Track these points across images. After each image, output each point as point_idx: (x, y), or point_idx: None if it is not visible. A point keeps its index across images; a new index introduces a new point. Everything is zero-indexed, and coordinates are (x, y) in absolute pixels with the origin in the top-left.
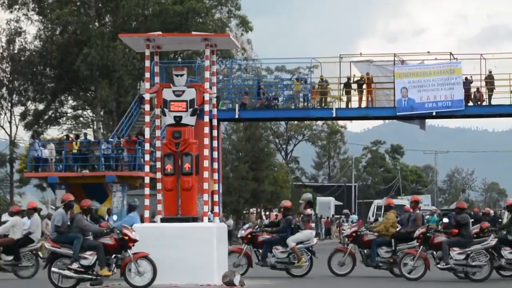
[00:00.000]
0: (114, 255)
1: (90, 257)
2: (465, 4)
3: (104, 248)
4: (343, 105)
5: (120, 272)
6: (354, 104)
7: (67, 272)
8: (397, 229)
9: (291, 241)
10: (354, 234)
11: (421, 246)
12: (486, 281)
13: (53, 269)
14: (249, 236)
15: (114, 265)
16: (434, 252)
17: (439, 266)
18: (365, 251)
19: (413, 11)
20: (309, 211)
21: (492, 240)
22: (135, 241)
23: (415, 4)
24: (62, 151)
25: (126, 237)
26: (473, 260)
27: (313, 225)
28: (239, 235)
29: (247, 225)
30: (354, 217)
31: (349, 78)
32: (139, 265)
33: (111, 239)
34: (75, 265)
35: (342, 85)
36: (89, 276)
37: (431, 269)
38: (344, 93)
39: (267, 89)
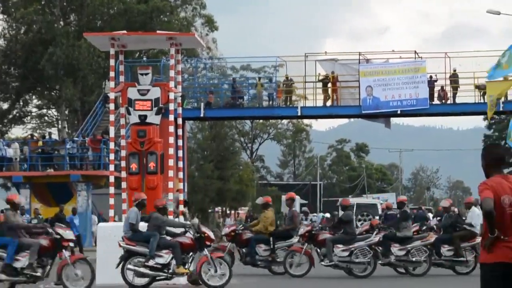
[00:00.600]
0: (190, 254)
1: (166, 256)
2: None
3: (180, 247)
4: (319, 103)
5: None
6: (319, 102)
7: (143, 269)
8: (275, 227)
9: None
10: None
11: (306, 244)
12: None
13: (128, 266)
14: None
15: (190, 263)
16: (318, 250)
17: (323, 263)
18: (244, 249)
19: (377, 10)
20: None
21: (375, 237)
22: (212, 240)
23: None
24: (27, 150)
25: (205, 235)
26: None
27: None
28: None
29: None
30: (320, 215)
31: (327, 76)
32: (216, 264)
33: (188, 238)
34: (151, 262)
35: (312, 84)
36: (165, 274)
37: (316, 266)
38: (322, 91)
39: (232, 88)
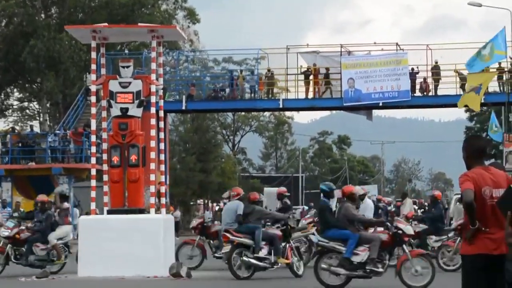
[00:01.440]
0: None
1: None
2: None
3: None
4: (301, 95)
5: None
6: (301, 95)
7: (253, 261)
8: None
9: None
10: (200, 225)
11: (199, 236)
12: None
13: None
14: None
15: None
16: (211, 241)
17: (216, 254)
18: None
19: (359, 2)
20: (66, 204)
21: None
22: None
23: None
24: (8, 143)
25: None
26: None
27: (70, 219)
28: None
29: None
30: (301, 208)
31: (309, 68)
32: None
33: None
34: (261, 253)
35: (294, 76)
36: (268, 266)
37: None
38: (304, 84)
39: (214, 80)
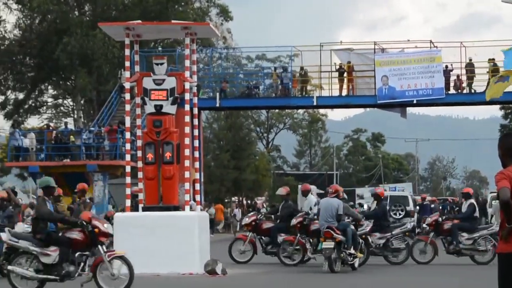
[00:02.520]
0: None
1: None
2: None
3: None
4: (335, 92)
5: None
6: (335, 92)
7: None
8: None
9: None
10: (253, 223)
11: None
12: None
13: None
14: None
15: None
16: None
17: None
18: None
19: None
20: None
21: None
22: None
23: None
24: (43, 140)
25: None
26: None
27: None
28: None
29: (252, 213)
30: None
31: (341, 66)
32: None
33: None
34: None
35: (328, 74)
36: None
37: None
38: (338, 81)
39: (247, 78)
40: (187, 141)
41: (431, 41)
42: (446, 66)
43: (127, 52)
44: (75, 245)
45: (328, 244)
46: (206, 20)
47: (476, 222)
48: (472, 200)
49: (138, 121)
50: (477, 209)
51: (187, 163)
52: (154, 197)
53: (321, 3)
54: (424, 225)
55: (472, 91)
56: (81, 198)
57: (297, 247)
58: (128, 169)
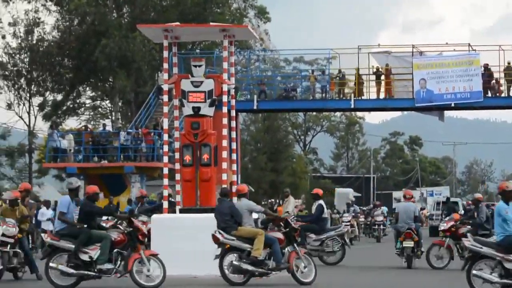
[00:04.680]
0: None
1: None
2: None
3: None
4: (373, 95)
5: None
6: (372, 95)
7: None
8: None
9: None
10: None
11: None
12: None
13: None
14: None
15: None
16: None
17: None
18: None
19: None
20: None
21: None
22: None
23: None
24: (81, 141)
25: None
26: None
27: None
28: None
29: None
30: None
31: (378, 69)
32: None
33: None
34: None
35: (365, 76)
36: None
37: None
38: (375, 84)
39: (285, 80)
40: (224, 143)
41: (469, 44)
42: (485, 66)
43: (165, 54)
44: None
45: (408, 243)
46: (244, 21)
47: (324, 223)
48: (321, 201)
49: (176, 123)
50: (325, 210)
51: (224, 165)
52: (191, 199)
53: (359, 4)
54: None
55: (511, 94)
56: (25, 199)
57: None
58: (165, 171)
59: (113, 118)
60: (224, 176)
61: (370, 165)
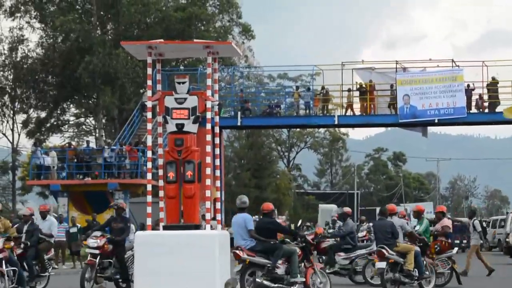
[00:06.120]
0: None
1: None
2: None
3: None
4: (357, 111)
5: None
6: (356, 111)
7: None
8: None
9: None
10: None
11: None
12: None
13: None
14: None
15: None
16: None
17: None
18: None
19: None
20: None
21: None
22: None
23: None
24: (65, 159)
25: None
26: None
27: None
28: None
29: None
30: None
31: (361, 85)
32: None
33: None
34: None
35: (347, 93)
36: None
37: None
38: (359, 100)
39: (268, 97)
40: (208, 160)
41: (453, 60)
42: (468, 85)
43: (149, 71)
44: None
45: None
46: (228, 38)
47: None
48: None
49: (160, 140)
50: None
51: (208, 181)
52: (175, 215)
53: (341, 21)
54: None
55: (495, 110)
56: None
57: None
58: (149, 187)
59: (97, 135)
60: (208, 193)
61: (354, 181)
